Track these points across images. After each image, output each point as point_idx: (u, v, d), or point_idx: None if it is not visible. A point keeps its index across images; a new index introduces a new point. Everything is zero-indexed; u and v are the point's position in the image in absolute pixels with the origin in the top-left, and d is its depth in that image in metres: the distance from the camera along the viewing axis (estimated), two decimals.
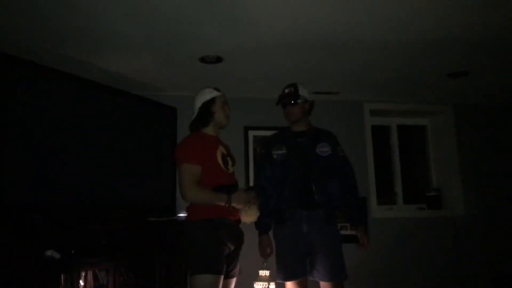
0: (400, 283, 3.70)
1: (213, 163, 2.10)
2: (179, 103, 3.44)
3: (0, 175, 2.18)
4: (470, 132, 4.15)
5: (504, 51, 2.83)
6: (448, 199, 4.12)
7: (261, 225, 2.40)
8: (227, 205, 2.03)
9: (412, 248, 3.83)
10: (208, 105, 2.20)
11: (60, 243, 2.24)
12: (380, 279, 3.67)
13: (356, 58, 2.91)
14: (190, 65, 2.98)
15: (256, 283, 3.00)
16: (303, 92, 2.47)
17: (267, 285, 2.99)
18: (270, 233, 2.46)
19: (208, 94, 2.22)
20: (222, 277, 1.98)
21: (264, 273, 3.01)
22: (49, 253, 2.16)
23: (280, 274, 2.38)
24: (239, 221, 2.16)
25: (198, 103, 2.22)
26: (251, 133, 3.79)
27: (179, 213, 3.16)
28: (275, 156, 2.45)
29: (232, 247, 2.09)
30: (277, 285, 2.75)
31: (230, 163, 2.20)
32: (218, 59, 2.87)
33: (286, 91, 2.48)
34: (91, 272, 2.43)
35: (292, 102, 2.45)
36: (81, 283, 2.37)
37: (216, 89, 2.26)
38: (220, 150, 2.17)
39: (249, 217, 2.11)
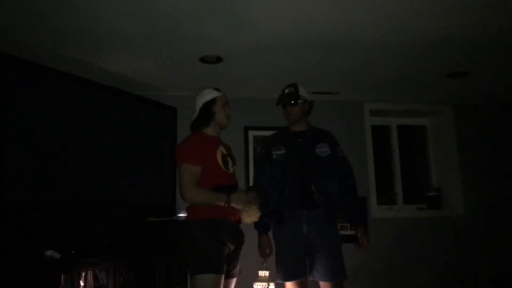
0: (400, 283, 3.70)
1: (213, 163, 2.10)
2: (179, 103, 3.44)
3: (0, 175, 2.19)
4: (470, 132, 4.15)
5: (504, 51, 2.83)
6: (448, 199, 4.12)
7: (260, 225, 2.40)
8: (226, 205, 2.03)
9: (412, 248, 3.83)
10: (208, 106, 2.20)
11: (60, 243, 2.24)
12: (380, 279, 3.67)
13: (356, 58, 2.91)
14: (190, 65, 2.98)
15: (256, 283, 3.00)
16: (303, 92, 2.48)
17: (266, 286, 2.98)
18: (270, 233, 2.46)
19: (209, 95, 2.22)
20: (223, 276, 1.98)
21: (263, 273, 3.00)
22: (49, 253, 2.16)
23: (280, 274, 2.38)
24: (239, 221, 2.16)
25: (199, 103, 2.22)
26: (251, 133, 3.80)
27: (179, 213, 3.16)
28: (274, 156, 2.46)
29: (232, 247, 2.09)
30: (276, 285, 2.74)
31: (230, 163, 2.20)
32: (218, 59, 2.87)
33: (286, 91, 2.48)
34: (91, 272, 2.43)
35: (292, 102, 2.45)
36: (81, 283, 2.37)
37: (217, 89, 2.26)
38: (221, 150, 2.17)
39: (250, 217, 2.11)
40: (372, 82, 3.52)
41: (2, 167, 2.20)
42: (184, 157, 2.07)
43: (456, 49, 2.78)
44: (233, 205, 2.04)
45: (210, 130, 2.22)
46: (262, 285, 2.98)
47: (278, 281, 2.44)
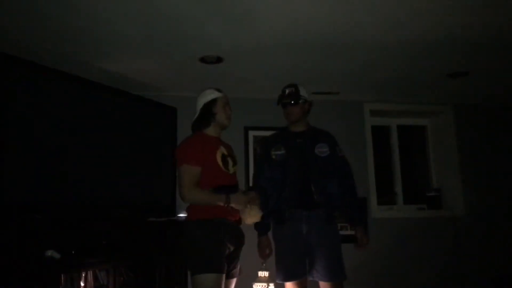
0: (400, 283, 3.70)
1: (213, 164, 2.10)
2: (179, 103, 3.44)
3: (0, 175, 2.19)
4: (470, 132, 4.15)
5: (504, 51, 2.83)
6: (448, 199, 4.12)
7: (260, 226, 2.39)
8: (226, 206, 2.03)
9: (412, 248, 3.83)
10: (209, 106, 2.20)
11: (60, 243, 2.24)
12: (380, 279, 3.67)
13: (356, 58, 2.91)
14: (190, 65, 2.98)
15: (255, 284, 3.00)
16: (303, 92, 2.48)
17: (266, 286, 2.98)
18: (269, 233, 2.46)
19: (210, 95, 2.23)
20: (223, 276, 1.98)
21: (263, 274, 3.01)
22: (49, 253, 2.16)
23: (280, 274, 2.38)
24: (239, 221, 2.16)
25: (200, 104, 2.22)
26: (251, 133, 3.79)
27: (179, 213, 3.16)
28: (274, 157, 2.46)
29: (232, 248, 2.09)
30: (276, 285, 2.75)
31: (230, 163, 2.20)
32: (218, 59, 2.87)
33: (287, 91, 2.48)
34: (91, 272, 2.43)
35: (293, 102, 2.45)
36: (82, 283, 2.37)
37: (218, 90, 2.26)
38: (221, 150, 2.17)
39: (251, 217, 2.10)
40: (372, 82, 3.52)
41: (2, 167, 2.20)
42: (183, 158, 2.07)
43: (456, 49, 2.78)
44: (232, 205, 2.04)
45: (210, 131, 2.22)
46: (262, 286, 2.98)
47: (278, 281, 2.43)
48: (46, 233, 2.22)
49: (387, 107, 4.10)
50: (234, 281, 2.18)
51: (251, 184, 3.58)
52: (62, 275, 2.25)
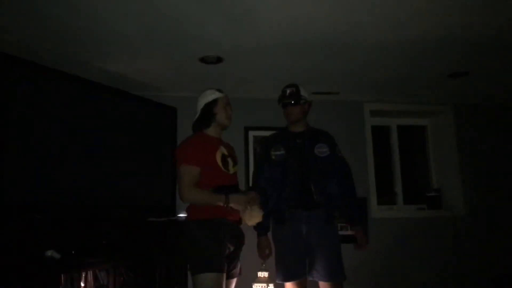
0: (400, 283, 3.70)
1: (212, 164, 2.10)
2: (179, 103, 3.44)
3: (0, 175, 2.19)
4: (470, 132, 4.15)
5: (504, 51, 2.83)
6: (448, 199, 4.12)
7: (260, 226, 2.39)
8: (225, 206, 2.03)
9: (412, 248, 3.83)
10: (210, 106, 2.20)
11: (60, 243, 2.24)
12: (380, 279, 3.67)
13: (356, 58, 2.91)
14: (190, 65, 2.98)
15: (255, 284, 3.00)
16: (303, 92, 2.48)
17: (265, 287, 2.98)
18: (269, 234, 2.45)
19: (211, 95, 2.23)
20: (224, 275, 1.98)
21: (262, 274, 3.00)
22: (49, 253, 2.16)
23: (280, 274, 2.38)
24: (239, 221, 2.16)
25: (200, 104, 2.23)
26: (251, 133, 3.79)
27: (179, 213, 3.16)
28: (273, 157, 2.46)
29: (232, 248, 2.09)
30: (276, 286, 2.74)
31: (231, 164, 2.19)
32: (219, 60, 2.87)
33: (288, 91, 2.48)
34: (91, 272, 2.43)
35: (293, 102, 2.45)
36: (82, 284, 2.37)
37: (219, 90, 2.27)
38: (221, 151, 2.17)
39: (253, 218, 2.10)
40: (372, 82, 3.52)
41: (2, 167, 2.20)
42: (183, 158, 2.07)
43: (456, 49, 2.78)
44: (232, 205, 2.04)
45: (211, 131, 2.22)
46: (261, 286, 2.97)
47: (277, 282, 2.43)
48: (46, 233, 2.23)
49: (387, 107, 4.10)
50: (234, 281, 2.18)
51: (251, 184, 3.60)
52: (62, 275, 2.25)
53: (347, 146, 2.78)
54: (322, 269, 2.31)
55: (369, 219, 3.81)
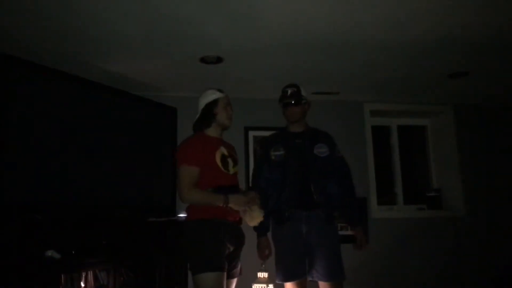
0: (400, 283, 3.70)
1: (212, 164, 2.10)
2: (179, 103, 3.44)
3: (0, 175, 2.19)
4: (470, 132, 4.15)
5: (504, 51, 2.83)
6: (448, 199, 4.12)
7: (259, 227, 2.38)
8: (225, 206, 2.03)
9: (412, 248, 3.83)
10: (210, 106, 2.21)
11: (60, 243, 2.24)
12: (380, 279, 3.67)
13: (356, 58, 2.91)
14: (190, 65, 2.98)
15: (255, 285, 3.00)
16: (304, 92, 2.49)
17: (265, 287, 2.98)
18: (269, 234, 2.45)
19: (211, 96, 2.23)
20: (224, 274, 1.98)
21: (262, 275, 3.00)
22: (49, 253, 2.16)
23: (280, 275, 2.38)
24: (239, 221, 2.16)
25: (201, 104, 2.23)
26: (251, 134, 3.79)
27: (179, 213, 3.15)
28: (273, 157, 2.46)
29: (232, 248, 2.09)
30: (276, 286, 2.74)
31: (231, 164, 2.19)
32: (219, 60, 2.87)
33: (289, 91, 2.48)
34: (91, 272, 2.43)
35: (294, 102, 2.45)
36: (82, 284, 2.37)
37: (220, 90, 2.27)
38: (221, 151, 2.17)
39: (254, 219, 2.10)
40: (372, 82, 3.52)
41: (2, 167, 2.20)
42: (183, 158, 2.07)
43: (456, 49, 2.78)
44: (231, 206, 2.04)
45: (211, 131, 2.22)
46: (261, 287, 2.98)
47: (277, 282, 2.43)
48: (46, 233, 2.22)
49: (387, 107, 4.10)
50: (234, 281, 2.18)
51: (250, 185, 3.60)
52: (62, 275, 2.25)
53: (347, 146, 2.78)
54: (322, 269, 2.31)
55: (369, 219, 3.81)
